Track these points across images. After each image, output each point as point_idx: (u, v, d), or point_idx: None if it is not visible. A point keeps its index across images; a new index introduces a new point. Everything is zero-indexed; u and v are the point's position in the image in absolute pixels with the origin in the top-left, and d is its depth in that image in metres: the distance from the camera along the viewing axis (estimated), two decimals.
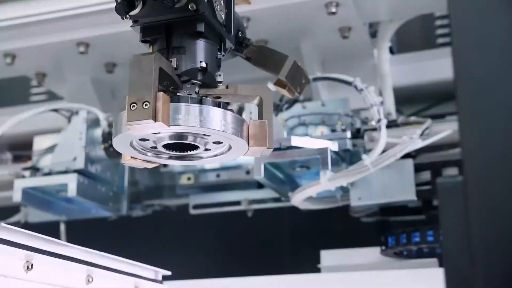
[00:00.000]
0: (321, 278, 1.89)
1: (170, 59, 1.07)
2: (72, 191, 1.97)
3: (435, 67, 2.24)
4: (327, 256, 2.00)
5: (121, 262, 1.31)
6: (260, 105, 1.10)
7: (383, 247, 1.88)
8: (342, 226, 2.16)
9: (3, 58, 2.18)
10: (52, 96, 2.66)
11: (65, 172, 1.99)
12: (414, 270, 1.78)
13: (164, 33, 1.10)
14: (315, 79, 1.97)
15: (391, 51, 2.23)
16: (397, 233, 1.84)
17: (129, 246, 2.18)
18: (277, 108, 1.95)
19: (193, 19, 1.08)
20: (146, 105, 0.96)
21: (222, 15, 1.12)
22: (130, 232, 2.49)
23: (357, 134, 1.90)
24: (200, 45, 1.10)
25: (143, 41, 1.12)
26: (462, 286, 0.73)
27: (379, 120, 1.78)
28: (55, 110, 2.15)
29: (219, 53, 1.14)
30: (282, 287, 1.84)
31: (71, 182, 1.97)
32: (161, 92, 0.99)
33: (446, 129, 1.81)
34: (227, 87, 1.11)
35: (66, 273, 1.17)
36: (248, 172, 2.07)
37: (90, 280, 1.21)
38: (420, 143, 1.77)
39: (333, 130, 1.90)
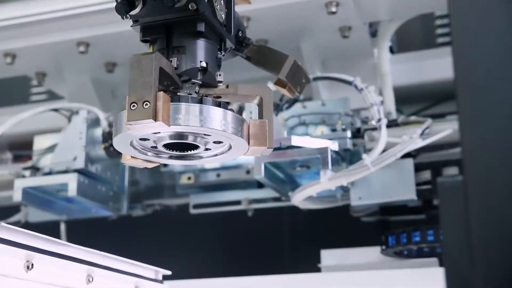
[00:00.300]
0: (321, 278, 1.89)
1: (170, 59, 1.07)
2: (72, 190, 1.97)
3: (435, 66, 2.24)
4: (327, 256, 2.00)
5: (122, 261, 1.31)
6: (260, 105, 1.09)
7: (384, 247, 1.88)
8: (342, 226, 2.16)
9: (3, 57, 2.19)
10: (52, 96, 2.67)
11: (65, 171, 2.00)
12: (415, 270, 1.78)
13: (164, 33, 1.09)
14: (315, 79, 1.98)
15: (391, 50, 2.23)
16: (397, 233, 1.84)
17: (129, 246, 2.18)
18: (277, 108, 1.95)
19: (193, 19, 1.08)
20: (146, 104, 0.96)
21: (222, 15, 1.12)
22: (130, 232, 2.49)
23: (357, 133, 1.90)
24: (200, 45, 1.10)
25: (143, 41, 1.12)
26: (462, 286, 0.73)
27: (379, 120, 1.78)
28: (55, 110, 2.15)
29: (219, 52, 1.14)
30: (282, 287, 1.85)
31: (71, 182, 1.97)
32: (161, 91, 0.99)
33: (446, 129, 1.82)
34: (227, 86, 1.11)
35: (66, 273, 1.16)
36: (248, 172, 2.07)
37: (91, 279, 1.21)
38: (420, 143, 1.77)
39: (333, 130, 1.90)
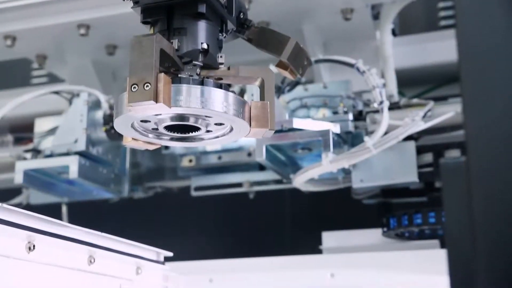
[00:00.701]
0: (322, 259, 1.90)
1: (171, 41, 1.07)
2: (73, 173, 1.97)
3: (438, 49, 2.23)
4: (329, 238, 2.01)
5: (123, 243, 1.31)
6: (261, 87, 1.09)
7: (385, 229, 1.89)
8: (343, 208, 2.16)
9: (3, 40, 2.17)
10: (53, 79, 2.66)
11: (67, 154, 2.00)
12: (416, 251, 1.79)
13: (165, 14, 1.09)
14: (317, 61, 1.97)
15: (394, 33, 2.22)
16: (399, 215, 1.84)
17: (130, 228, 2.18)
18: (279, 91, 1.94)
19: (194, 0, 1.07)
20: (147, 86, 0.96)
21: None
22: (131, 214, 2.49)
23: (359, 116, 1.90)
24: (202, 27, 1.09)
25: (144, 23, 1.11)
26: (464, 267, 0.73)
27: (381, 102, 1.78)
28: (56, 93, 2.14)
29: (220, 34, 1.13)
30: (284, 268, 1.85)
31: (73, 164, 1.97)
32: (162, 73, 0.98)
33: (448, 111, 1.81)
34: (228, 68, 1.11)
35: (68, 254, 1.17)
36: (249, 154, 2.07)
37: (92, 261, 1.22)
38: (422, 125, 1.76)
39: (335, 112, 1.89)
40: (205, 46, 1.08)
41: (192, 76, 1.06)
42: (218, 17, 1.11)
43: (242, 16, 1.18)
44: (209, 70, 1.10)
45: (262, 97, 1.08)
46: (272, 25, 2.03)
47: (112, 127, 2.01)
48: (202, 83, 1.03)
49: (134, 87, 0.96)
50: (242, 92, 1.93)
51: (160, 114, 1.05)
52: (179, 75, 1.05)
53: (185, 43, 1.07)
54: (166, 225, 2.54)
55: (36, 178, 2.05)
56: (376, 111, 1.83)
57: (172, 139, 1.12)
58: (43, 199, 2.20)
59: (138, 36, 1.00)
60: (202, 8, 1.07)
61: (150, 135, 1.11)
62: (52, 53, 2.30)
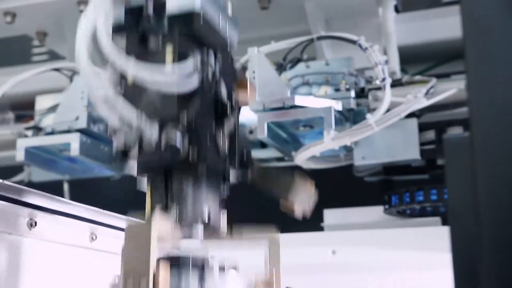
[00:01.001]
0: (324, 236, 1.90)
1: (169, 205, 1.01)
2: (74, 150, 1.96)
3: (441, 25, 2.22)
4: (330, 215, 2.01)
5: (125, 220, 1.31)
6: (267, 251, 1.04)
7: (386, 206, 1.89)
8: (345, 185, 2.16)
9: (3, 16, 2.16)
10: (53, 56, 2.65)
11: (68, 131, 1.99)
12: (417, 229, 1.79)
13: (163, 174, 1.02)
14: (319, 38, 1.95)
15: (396, 9, 2.20)
16: (401, 192, 1.84)
17: (132, 205, 2.19)
18: (281, 67, 1.93)
19: (193, 164, 0.99)
20: (143, 279, 0.89)
21: (226, 147, 1.03)
22: (133, 191, 2.49)
23: (361, 93, 1.89)
24: (202, 189, 1.01)
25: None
26: (467, 243, 0.73)
27: (383, 79, 1.77)
28: (57, 70, 2.13)
29: (222, 185, 1.06)
30: (285, 245, 1.85)
31: (74, 142, 1.96)
32: (160, 262, 0.91)
33: (451, 88, 1.80)
34: (231, 227, 1.05)
35: (69, 231, 1.17)
36: (251, 132, 2.06)
37: (94, 238, 1.22)
38: (424, 102, 1.76)
39: (337, 90, 1.88)
40: (206, 209, 1.01)
41: (191, 257, 0.97)
42: (219, 174, 1.04)
43: (245, 158, 1.10)
44: (212, 233, 1.02)
45: (267, 262, 1.03)
46: (273, 3, 2.01)
47: None
48: (202, 265, 0.97)
49: (129, 278, 0.89)
50: (243, 69, 1.91)
51: None
52: (177, 256, 0.97)
53: (185, 209, 1.00)
54: None
55: (37, 155, 2.05)
56: (378, 88, 1.82)
57: None
58: (44, 176, 2.20)
59: (132, 224, 0.94)
60: (203, 172, 1.00)
61: None
62: (52, 30, 2.29)
